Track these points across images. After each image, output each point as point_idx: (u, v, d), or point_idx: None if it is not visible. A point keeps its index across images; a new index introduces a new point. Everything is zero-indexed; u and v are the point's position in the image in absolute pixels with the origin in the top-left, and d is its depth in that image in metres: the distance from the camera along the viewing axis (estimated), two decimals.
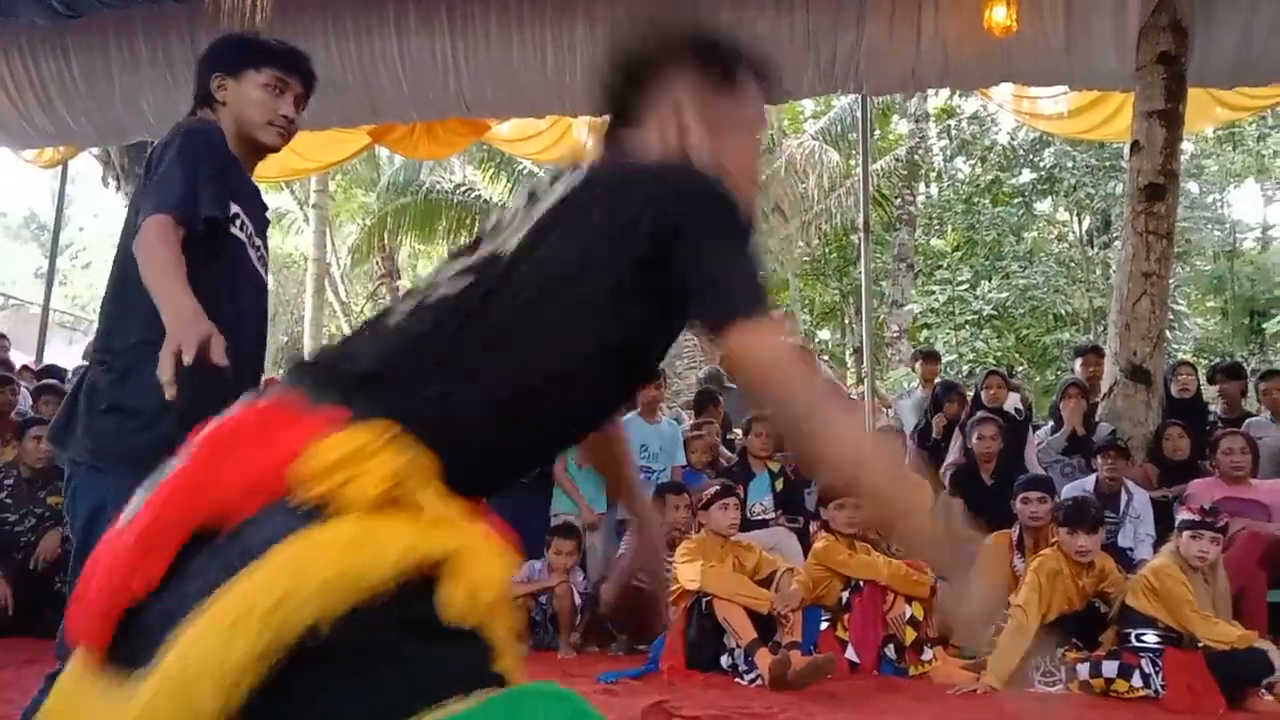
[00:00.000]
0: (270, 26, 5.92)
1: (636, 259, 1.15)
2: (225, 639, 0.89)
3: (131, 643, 0.96)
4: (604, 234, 1.16)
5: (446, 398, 1.08)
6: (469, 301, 1.13)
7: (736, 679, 4.52)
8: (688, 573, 4.74)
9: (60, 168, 9.20)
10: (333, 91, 6.77)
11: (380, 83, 7.31)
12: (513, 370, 1.12)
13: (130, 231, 2.08)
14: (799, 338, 15.75)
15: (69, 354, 10.98)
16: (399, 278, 17.94)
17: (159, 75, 7.49)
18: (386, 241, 16.16)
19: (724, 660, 4.63)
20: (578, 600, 5.31)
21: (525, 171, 15.17)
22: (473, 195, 15.53)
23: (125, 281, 2.06)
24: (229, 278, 2.17)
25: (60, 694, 1.03)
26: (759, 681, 4.38)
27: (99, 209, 24.38)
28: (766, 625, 4.64)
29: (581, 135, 8.24)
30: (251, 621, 0.89)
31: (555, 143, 8.34)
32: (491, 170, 15.46)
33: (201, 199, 2.04)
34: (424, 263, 21.55)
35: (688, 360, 14.39)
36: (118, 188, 9.77)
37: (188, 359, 1.69)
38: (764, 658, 4.41)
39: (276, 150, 2.31)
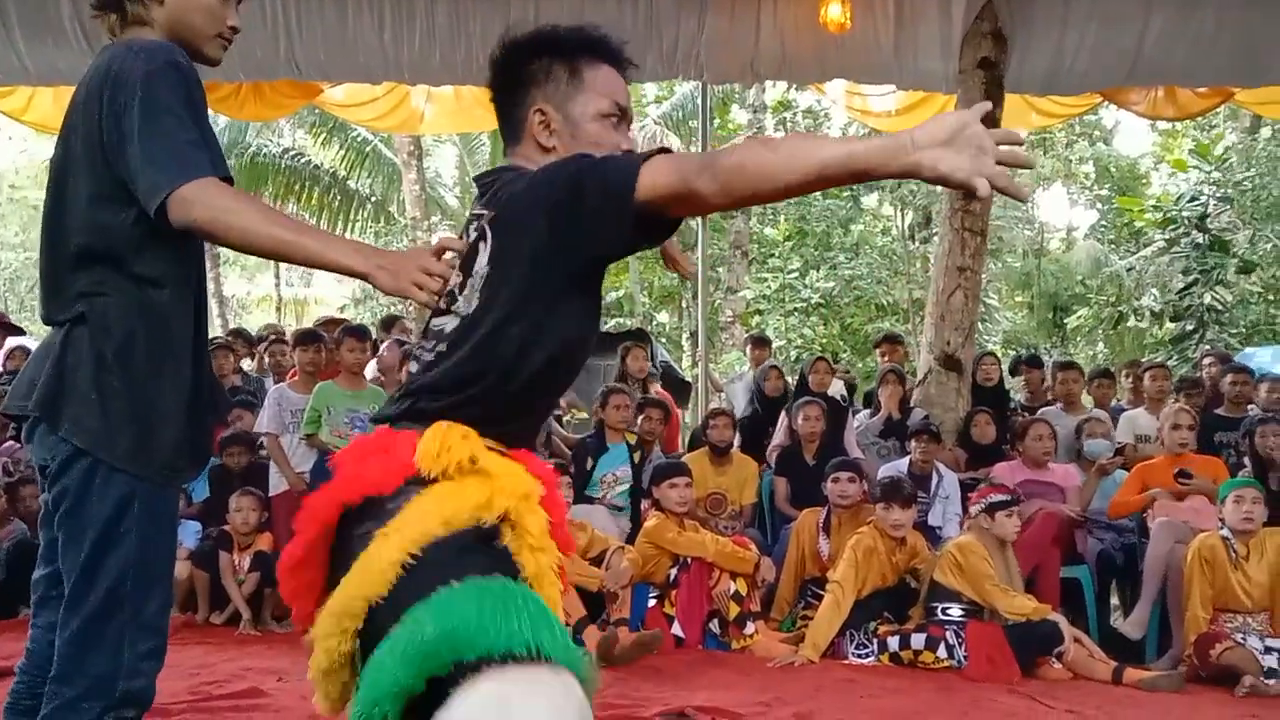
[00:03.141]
0: None
1: (551, 254, 1.54)
2: (382, 554, 1.47)
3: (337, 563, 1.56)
4: (524, 260, 1.57)
5: (468, 397, 1.59)
6: (460, 335, 1.60)
7: None
8: None
9: None
10: None
11: None
12: (500, 364, 1.58)
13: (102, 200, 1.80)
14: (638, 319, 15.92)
15: None
16: None
17: None
18: None
19: None
20: None
21: (359, 138, 14.69)
22: (302, 160, 14.91)
23: (75, 256, 1.83)
24: (199, 257, 1.95)
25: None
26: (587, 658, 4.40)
27: None
28: (597, 603, 4.68)
29: (419, 103, 8.04)
30: (395, 542, 1.47)
31: (391, 110, 8.08)
32: (323, 135, 14.88)
33: (217, 159, 1.79)
34: None
35: None
36: None
37: (433, 293, 1.62)
38: (592, 635, 4.44)
39: (215, 66, 2.00)
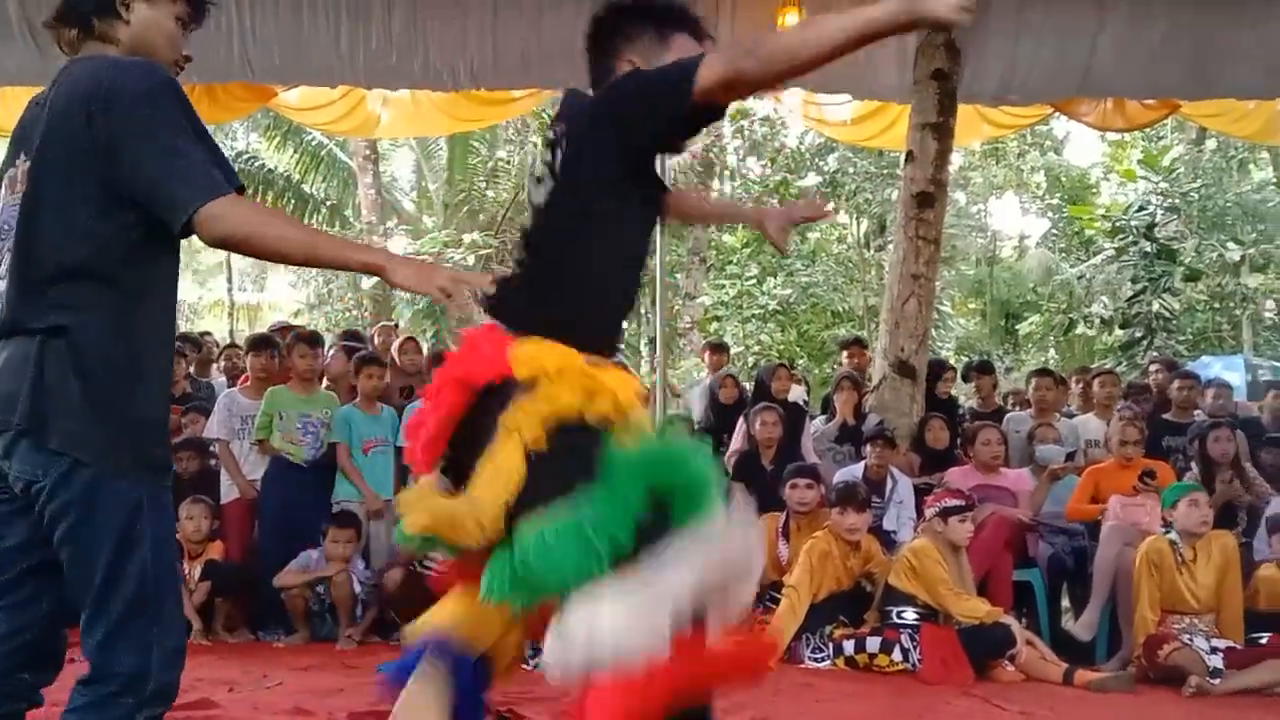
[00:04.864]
0: None
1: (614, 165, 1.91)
2: (510, 444, 1.79)
3: (457, 458, 1.90)
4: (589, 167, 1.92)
5: (559, 309, 1.91)
6: (532, 248, 1.99)
7: (522, 664, 4.49)
8: None
9: None
10: None
11: None
12: (574, 275, 1.93)
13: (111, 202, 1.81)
14: None
15: None
16: None
17: None
18: None
19: None
20: (357, 589, 5.15)
21: (314, 142, 14.55)
22: (256, 164, 14.73)
23: (84, 271, 1.81)
24: (178, 265, 1.97)
25: (413, 494, 1.99)
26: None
27: None
28: None
29: (375, 107, 7.97)
30: (514, 439, 1.78)
31: (347, 114, 7.99)
32: (277, 139, 14.72)
33: (229, 173, 1.85)
34: None
35: None
36: None
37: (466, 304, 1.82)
38: None
39: None
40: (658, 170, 2.03)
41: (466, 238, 14.16)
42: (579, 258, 1.92)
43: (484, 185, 15.45)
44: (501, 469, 1.78)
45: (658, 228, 2.10)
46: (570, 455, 1.79)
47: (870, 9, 1.69)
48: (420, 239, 14.96)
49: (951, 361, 10.15)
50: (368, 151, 14.48)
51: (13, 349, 1.84)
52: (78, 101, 1.81)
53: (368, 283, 14.53)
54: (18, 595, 1.87)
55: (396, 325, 9.13)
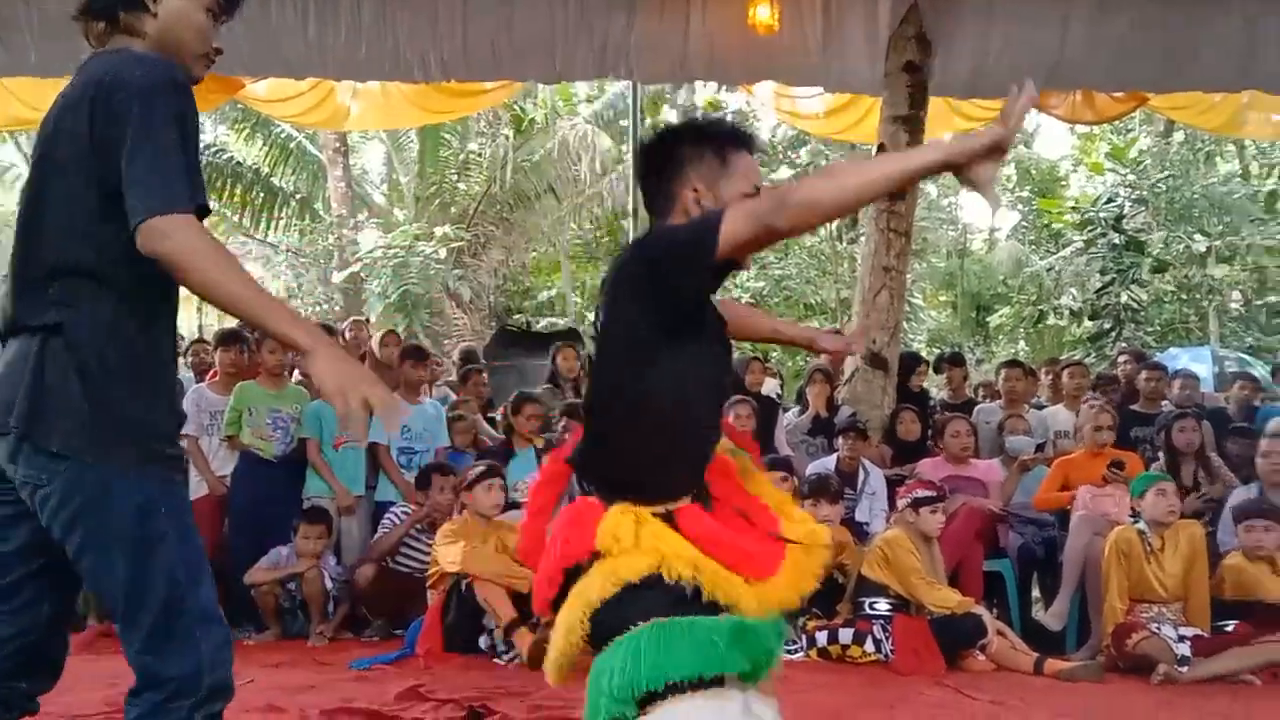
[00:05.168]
0: None
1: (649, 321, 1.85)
2: (580, 600, 1.85)
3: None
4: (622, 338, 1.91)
5: (625, 471, 1.92)
6: (594, 408, 2.00)
7: (495, 659, 4.50)
8: (448, 555, 4.66)
9: None
10: (65, 36, 6.14)
11: None
12: (634, 433, 1.90)
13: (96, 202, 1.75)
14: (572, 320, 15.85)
15: None
16: None
17: None
18: None
19: (483, 641, 4.60)
20: (329, 585, 5.12)
21: (283, 134, 14.41)
22: (224, 157, 14.56)
23: (74, 266, 1.76)
24: (173, 290, 1.88)
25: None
26: (518, 661, 4.37)
27: None
28: (529, 605, 4.64)
29: (345, 99, 7.90)
30: (578, 604, 1.84)
31: (316, 105, 7.91)
32: (246, 131, 14.58)
33: (197, 188, 1.77)
34: None
35: (456, 339, 14.17)
36: None
37: (381, 429, 1.74)
38: (523, 637, 4.40)
39: (196, 84, 1.94)
40: (710, 303, 1.99)
41: (438, 230, 14.09)
42: (632, 417, 1.90)
43: (455, 178, 15.38)
44: (563, 627, 1.87)
45: (720, 369, 2.05)
46: (639, 602, 1.81)
47: (915, 153, 1.69)
48: (391, 232, 14.86)
49: (923, 354, 10.22)
50: (338, 144, 14.38)
51: (14, 348, 1.80)
52: (85, 95, 1.77)
53: (338, 276, 14.44)
54: (18, 599, 1.83)
55: (368, 320, 9.08)
